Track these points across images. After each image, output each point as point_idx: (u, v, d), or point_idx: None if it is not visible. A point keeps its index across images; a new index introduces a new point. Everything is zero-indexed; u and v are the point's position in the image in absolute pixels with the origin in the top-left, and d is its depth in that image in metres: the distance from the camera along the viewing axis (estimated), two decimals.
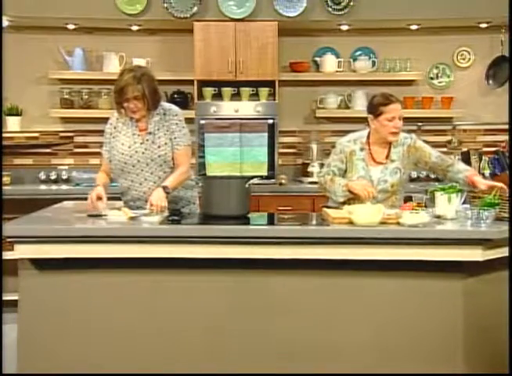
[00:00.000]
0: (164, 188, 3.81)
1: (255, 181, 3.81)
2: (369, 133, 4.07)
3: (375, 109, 4.00)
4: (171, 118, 3.98)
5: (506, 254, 3.35)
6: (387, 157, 4.01)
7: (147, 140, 3.96)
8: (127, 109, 3.91)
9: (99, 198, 3.79)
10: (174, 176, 3.91)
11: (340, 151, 4.07)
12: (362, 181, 3.94)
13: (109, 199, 3.96)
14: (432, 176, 6.04)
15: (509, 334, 3.22)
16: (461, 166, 4.02)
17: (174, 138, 3.97)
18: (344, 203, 3.94)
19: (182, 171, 3.96)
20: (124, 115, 3.97)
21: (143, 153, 3.95)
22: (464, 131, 6.21)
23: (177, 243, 3.40)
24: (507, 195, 3.54)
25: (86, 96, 6.04)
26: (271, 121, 5.69)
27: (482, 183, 3.76)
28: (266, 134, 5.70)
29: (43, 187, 5.85)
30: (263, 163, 5.71)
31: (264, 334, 3.49)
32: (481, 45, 6.12)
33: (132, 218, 3.62)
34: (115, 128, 4.03)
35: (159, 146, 3.95)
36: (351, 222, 3.45)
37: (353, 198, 3.91)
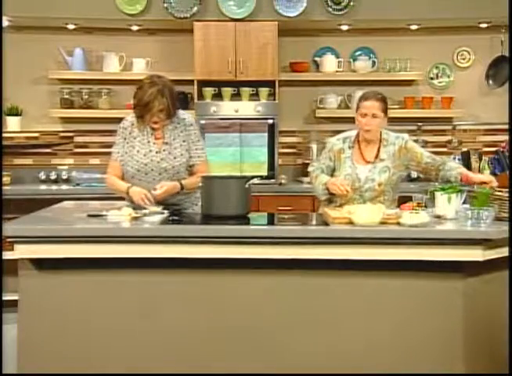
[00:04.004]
0: (182, 186, 3.87)
1: (255, 181, 3.80)
2: (358, 132, 4.05)
3: (356, 104, 4.08)
4: (186, 129, 3.95)
5: (506, 254, 3.35)
6: (377, 156, 3.98)
7: (164, 150, 3.92)
8: (149, 121, 3.85)
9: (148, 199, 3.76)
10: (193, 179, 3.93)
11: (329, 149, 4.08)
12: (340, 179, 3.92)
13: (109, 199, 3.96)
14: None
15: (509, 334, 3.22)
16: (453, 164, 4.03)
17: (196, 149, 3.97)
18: (331, 201, 3.98)
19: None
20: (144, 124, 3.91)
21: (158, 162, 3.91)
22: (464, 131, 6.21)
23: (177, 243, 3.39)
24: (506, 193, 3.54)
25: (86, 96, 6.04)
26: (271, 121, 5.69)
27: (476, 177, 3.81)
28: (266, 134, 5.70)
29: (43, 187, 5.85)
30: (263, 163, 5.72)
31: (263, 333, 3.49)
32: (481, 45, 6.12)
33: (135, 219, 3.61)
34: (130, 133, 3.95)
35: (175, 157, 3.92)
36: (351, 222, 3.45)
37: (334, 195, 3.92)
